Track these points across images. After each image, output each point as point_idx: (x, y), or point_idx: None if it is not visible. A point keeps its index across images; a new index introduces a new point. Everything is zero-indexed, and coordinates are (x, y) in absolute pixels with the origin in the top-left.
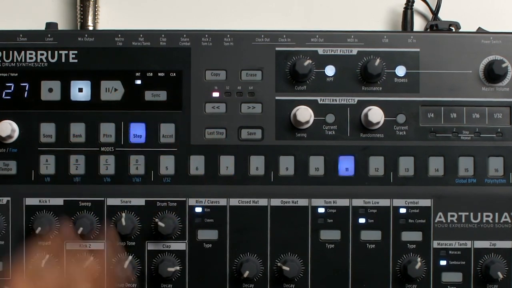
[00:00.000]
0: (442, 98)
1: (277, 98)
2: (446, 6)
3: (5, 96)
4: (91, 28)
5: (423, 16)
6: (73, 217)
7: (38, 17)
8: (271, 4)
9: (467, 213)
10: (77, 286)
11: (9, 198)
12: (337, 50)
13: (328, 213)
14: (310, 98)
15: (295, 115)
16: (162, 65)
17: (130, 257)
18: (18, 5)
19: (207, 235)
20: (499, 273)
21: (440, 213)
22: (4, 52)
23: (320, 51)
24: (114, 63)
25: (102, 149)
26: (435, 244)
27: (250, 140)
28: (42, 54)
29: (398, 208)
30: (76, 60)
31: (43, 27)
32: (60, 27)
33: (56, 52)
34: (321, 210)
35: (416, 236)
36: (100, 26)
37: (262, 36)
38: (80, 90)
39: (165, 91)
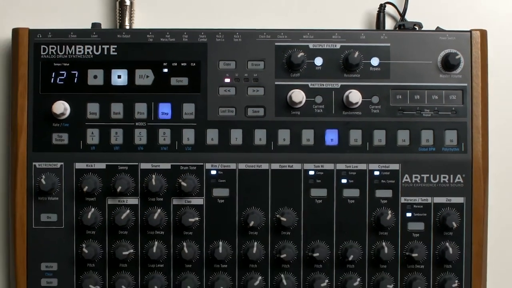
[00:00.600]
0: (408, 83)
1: (276, 83)
2: (411, 9)
3: (59, 81)
4: (127, 27)
5: (393, 17)
6: (113, 178)
7: (85, 18)
8: (272, 7)
9: (427, 175)
10: None
11: (62, 163)
12: (324, 44)
13: (317, 175)
14: (302, 83)
15: (290, 96)
16: (184, 57)
17: (159, 210)
18: (69, 9)
19: (220, 192)
20: (454, 223)
21: (406, 175)
22: (58, 46)
23: (311, 45)
24: (146, 55)
25: (137, 124)
26: (402, 200)
27: (255, 116)
28: (88, 48)
29: (373, 171)
30: (115, 53)
31: (89, 27)
32: (103, 27)
33: (99, 46)
34: (311, 172)
35: (387, 193)
36: (135, 26)
37: (264, 33)
38: (119, 76)
39: (187, 77)
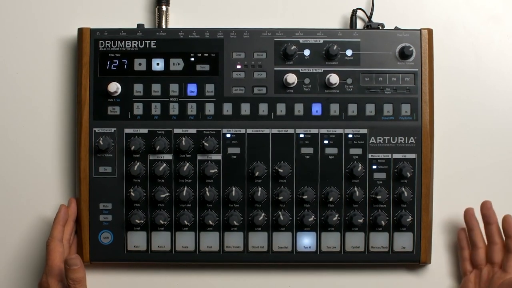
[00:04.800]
0: (374, 68)
1: (275, 68)
2: (376, 13)
3: (113, 67)
4: (164, 27)
5: (362, 19)
6: (153, 140)
7: (132, 20)
8: (272, 12)
9: (388, 137)
10: None
11: (115, 128)
12: (311, 40)
13: (306, 137)
14: (295, 69)
15: (285, 78)
16: (206, 49)
17: (188, 163)
18: (120, 13)
19: (233, 150)
20: (408, 173)
21: (372, 137)
22: (112, 41)
23: (301, 40)
24: (178, 48)
25: (171, 99)
26: (369, 156)
27: (259, 93)
28: (134, 42)
29: (347, 134)
30: (155, 46)
31: (135, 26)
32: (145, 27)
33: (143, 41)
34: (301, 135)
35: (358, 151)
36: (170, 26)
37: (266, 31)
38: (158, 64)
39: (208, 64)
